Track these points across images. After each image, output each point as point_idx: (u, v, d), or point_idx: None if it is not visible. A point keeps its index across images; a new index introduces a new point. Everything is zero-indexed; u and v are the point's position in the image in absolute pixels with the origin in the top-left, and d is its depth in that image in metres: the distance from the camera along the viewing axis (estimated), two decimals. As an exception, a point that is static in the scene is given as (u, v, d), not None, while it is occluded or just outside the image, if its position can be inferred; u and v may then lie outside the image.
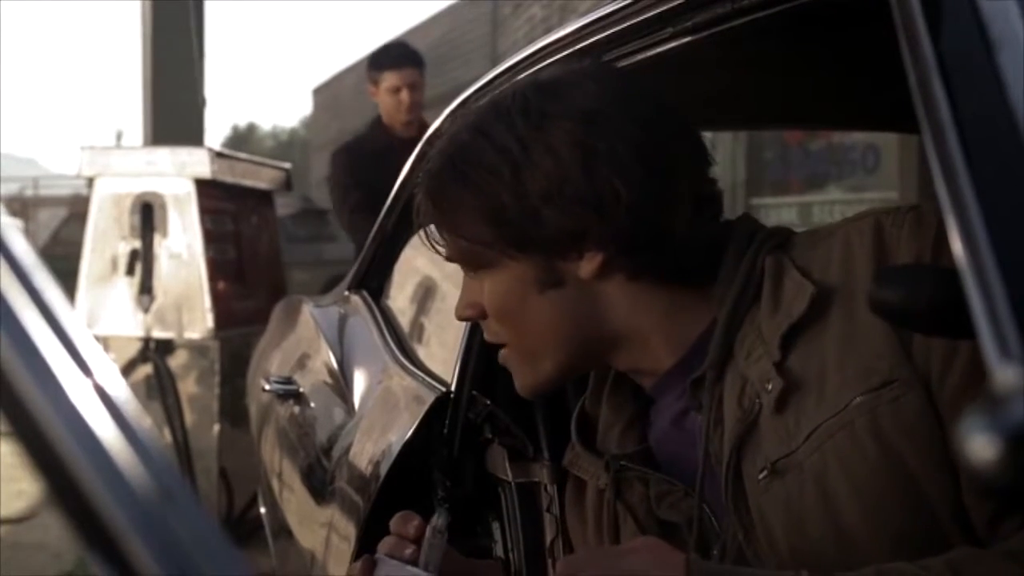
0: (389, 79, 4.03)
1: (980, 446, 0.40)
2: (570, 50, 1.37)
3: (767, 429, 0.95)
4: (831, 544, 0.90)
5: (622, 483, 1.08)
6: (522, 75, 1.51)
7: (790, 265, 1.00)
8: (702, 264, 1.05)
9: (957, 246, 0.55)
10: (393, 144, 3.96)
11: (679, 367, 1.05)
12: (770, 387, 0.95)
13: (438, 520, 1.06)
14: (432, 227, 1.12)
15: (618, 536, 1.09)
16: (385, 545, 1.09)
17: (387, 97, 4.05)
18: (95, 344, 0.42)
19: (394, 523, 1.11)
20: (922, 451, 0.88)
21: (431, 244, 1.14)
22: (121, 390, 0.41)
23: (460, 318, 1.15)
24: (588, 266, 1.03)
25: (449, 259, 1.12)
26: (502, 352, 1.12)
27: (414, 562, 1.05)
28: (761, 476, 0.94)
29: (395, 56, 4.14)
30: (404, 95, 4.02)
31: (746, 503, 0.96)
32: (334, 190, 4.15)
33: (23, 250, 0.43)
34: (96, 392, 0.40)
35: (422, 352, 1.83)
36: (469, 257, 1.09)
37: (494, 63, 1.95)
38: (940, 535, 0.87)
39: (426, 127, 3.92)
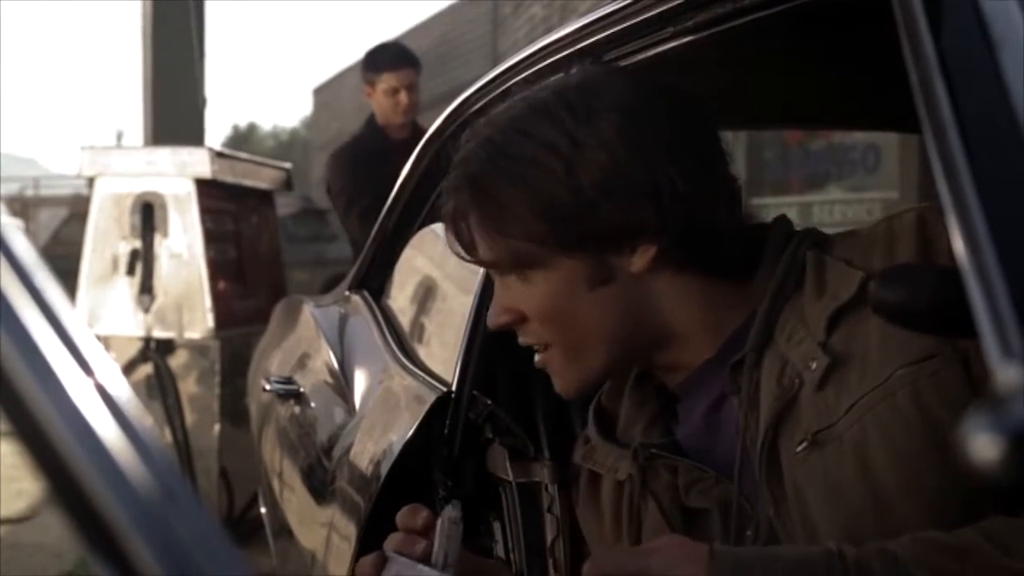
0: (386, 80, 4.01)
1: (983, 445, 0.40)
2: (571, 50, 1.36)
3: (806, 405, 0.97)
4: (869, 514, 0.91)
5: (648, 472, 1.09)
6: (523, 75, 1.51)
7: (831, 258, 1.02)
8: (742, 259, 1.07)
9: (958, 245, 0.55)
10: (390, 146, 3.95)
11: (713, 361, 1.07)
12: (814, 365, 0.96)
13: (453, 511, 1.02)
14: (466, 232, 1.09)
15: (640, 527, 1.10)
16: (392, 542, 1.04)
17: (384, 98, 4.03)
18: (96, 344, 0.42)
19: (401, 517, 1.07)
20: (960, 420, 0.88)
21: (460, 250, 1.10)
22: (122, 390, 0.41)
23: (495, 326, 1.11)
24: (640, 260, 1.04)
25: (488, 264, 1.10)
26: (540, 356, 1.10)
27: (425, 559, 1.01)
28: (799, 449, 0.96)
29: (392, 57, 4.11)
30: (402, 96, 4.00)
31: (780, 477, 0.98)
32: (337, 197, 4.11)
33: (24, 250, 0.43)
34: (97, 392, 0.40)
35: (423, 352, 1.83)
36: (516, 259, 1.06)
37: (495, 63, 1.95)
38: (977, 505, 0.87)
39: (420, 129, 3.93)
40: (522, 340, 1.11)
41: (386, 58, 4.10)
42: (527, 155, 1.04)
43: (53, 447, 0.40)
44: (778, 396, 0.98)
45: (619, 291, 1.05)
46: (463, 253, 1.10)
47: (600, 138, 1.02)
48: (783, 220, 1.12)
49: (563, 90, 1.07)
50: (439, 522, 1.01)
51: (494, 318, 1.11)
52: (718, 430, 1.06)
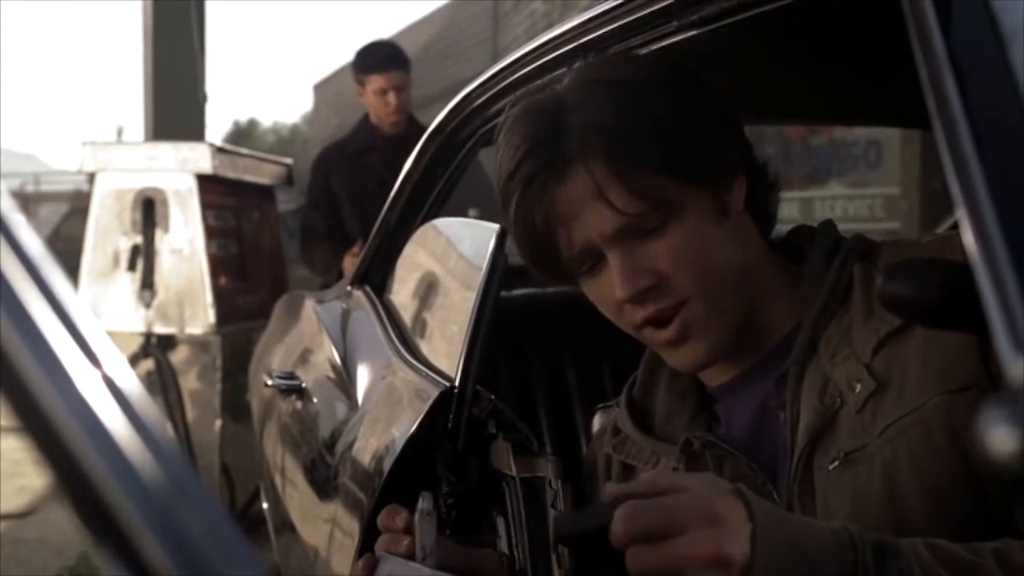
0: (375, 82, 4.01)
1: (999, 439, 0.39)
2: (572, 45, 1.36)
3: (845, 424, 0.98)
4: (890, 533, 0.91)
5: (695, 465, 1.09)
6: (525, 70, 1.51)
7: (879, 275, 1.00)
8: (787, 254, 1.13)
9: (969, 240, 0.54)
10: (376, 143, 4.03)
11: (756, 367, 1.09)
12: (858, 388, 0.97)
13: (423, 503, 1.05)
14: (596, 184, 1.04)
15: None
16: (382, 543, 1.08)
17: (374, 99, 4.04)
18: (104, 336, 0.42)
19: (381, 520, 1.10)
20: None
21: (603, 203, 1.04)
22: (131, 383, 0.41)
23: (636, 290, 1.05)
24: (739, 194, 1.09)
25: (628, 213, 1.04)
26: (679, 319, 1.06)
27: (412, 555, 1.05)
28: (832, 466, 0.97)
29: (380, 59, 4.10)
30: (391, 97, 4.01)
31: (812, 492, 0.98)
32: (306, 195, 4.31)
33: (30, 241, 0.43)
34: (106, 385, 0.40)
35: (425, 347, 1.83)
36: (655, 200, 1.03)
37: (495, 59, 1.95)
38: (995, 528, 0.88)
39: (416, 123, 3.96)
40: (659, 305, 1.06)
41: (375, 59, 4.09)
42: (638, 103, 1.05)
43: (61, 441, 0.40)
44: (819, 412, 0.99)
45: (735, 228, 1.08)
46: (606, 199, 1.04)
47: (685, 80, 1.10)
48: (829, 225, 1.13)
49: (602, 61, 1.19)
50: (415, 516, 1.04)
51: (633, 282, 1.05)
52: (760, 437, 1.07)
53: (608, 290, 1.07)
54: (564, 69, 1.28)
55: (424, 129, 2.01)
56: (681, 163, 1.04)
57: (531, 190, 1.06)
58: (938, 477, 0.92)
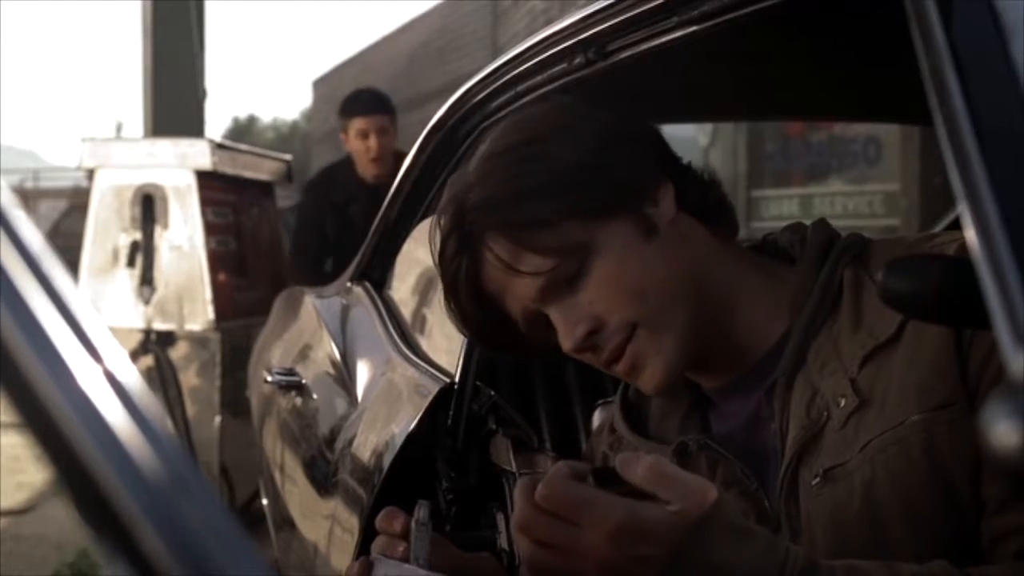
0: (357, 124, 4.01)
1: (1003, 432, 0.39)
2: (572, 41, 1.36)
3: (829, 439, 0.97)
4: (870, 551, 0.91)
5: (685, 465, 1.08)
6: (524, 66, 1.50)
7: (870, 282, 1.01)
8: (774, 252, 1.11)
9: (970, 235, 0.54)
10: (359, 195, 4.04)
11: (751, 373, 1.07)
12: (843, 403, 0.97)
13: (419, 513, 1.05)
14: (504, 257, 1.05)
15: None
16: (378, 545, 1.09)
17: (356, 143, 4.04)
18: (105, 331, 0.42)
19: (379, 522, 1.10)
20: (969, 471, 0.90)
21: (510, 270, 1.05)
22: (132, 378, 0.41)
23: (578, 340, 1.04)
24: (666, 202, 1.06)
25: (547, 270, 1.03)
26: (629, 351, 1.05)
27: (407, 559, 1.05)
28: (815, 482, 0.97)
29: (364, 102, 4.12)
30: (372, 141, 3.99)
31: (798, 507, 0.98)
32: (297, 218, 4.39)
33: (31, 236, 0.43)
34: (106, 380, 0.40)
35: (425, 343, 1.83)
36: (569, 248, 1.03)
37: (495, 55, 1.94)
38: (974, 546, 0.89)
39: (398, 166, 3.92)
40: (610, 343, 1.05)
41: (358, 103, 4.11)
42: (521, 155, 1.06)
43: (61, 435, 0.40)
44: (806, 427, 0.98)
45: (670, 240, 1.06)
46: (515, 269, 1.04)
47: (576, 117, 1.09)
48: (821, 225, 1.11)
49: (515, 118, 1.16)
50: (412, 524, 1.05)
51: (573, 333, 1.04)
52: (753, 443, 1.06)
53: None
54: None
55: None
56: (579, 204, 1.03)
57: (452, 276, 1.09)
58: (917, 495, 0.91)
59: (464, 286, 1.08)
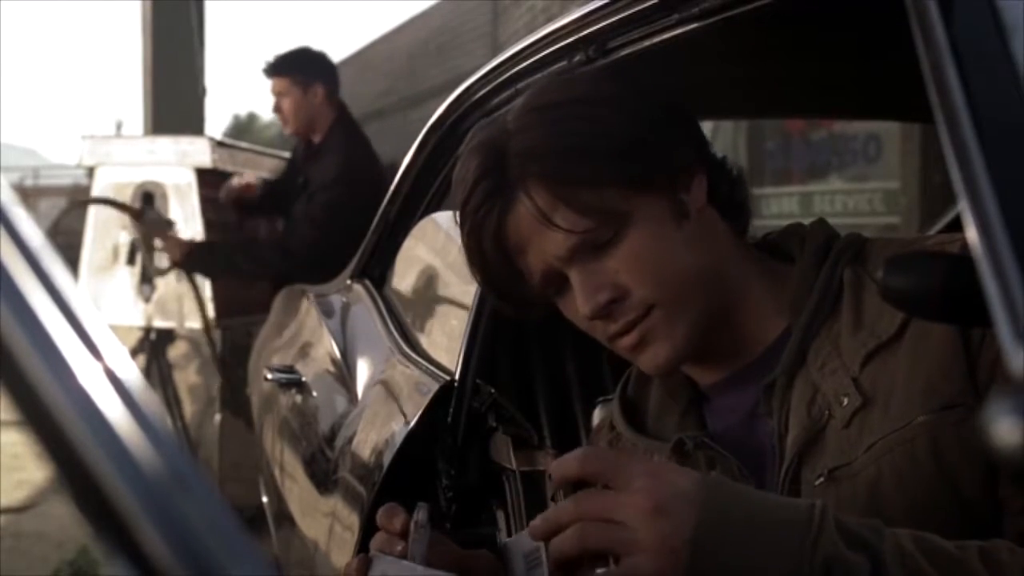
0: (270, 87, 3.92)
1: (1005, 430, 0.39)
2: (573, 38, 1.36)
3: (831, 439, 0.97)
4: None
5: (682, 463, 1.08)
6: (525, 64, 1.50)
7: (870, 281, 1.01)
8: (772, 250, 1.12)
9: (971, 232, 0.54)
10: (295, 159, 4.09)
11: (748, 369, 1.07)
12: (845, 402, 0.96)
13: (419, 515, 1.06)
14: (545, 208, 1.04)
15: None
16: (376, 542, 1.08)
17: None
18: (105, 328, 0.42)
19: (380, 517, 1.10)
20: (977, 472, 0.90)
21: (551, 224, 1.04)
22: (132, 375, 0.41)
23: (595, 309, 1.04)
24: (698, 192, 1.07)
25: (582, 231, 1.03)
26: (641, 327, 1.05)
27: (405, 556, 1.05)
28: (818, 482, 0.96)
29: (270, 65, 3.94)
30: (276, 103, 3.90)
31: None
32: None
33: (31, 234, 0.43)
34: (107, 377, 0.40)
35: (425, 341, 1.83)
36: (606, 214, 1.03)
37: (495, 52, 1.94)
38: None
39: (340, 133, 3.78)
40: (624, 317, 1.05)
41: (267, 66, 3.95)
42: (573, 112, 1.06)
43: (61, 433, 0.40)
44: (807, 427, 0.98)
45: (697, 228, 1.06)
46: (551, 222, 1.04)
47: (630, 87, 1.09)
48: (820, 225, 1.12)
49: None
50: (411, 525, 1.05)
51: (595, 298, 1.04)
52: (750, 441, 1.06)
53: (577, 309, 1.07)
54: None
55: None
56: (625, 172, 1.03)
57: (479, 220, 1.07)
58: (922, 496, 0.91)
59: (489, 231, 1.07)
